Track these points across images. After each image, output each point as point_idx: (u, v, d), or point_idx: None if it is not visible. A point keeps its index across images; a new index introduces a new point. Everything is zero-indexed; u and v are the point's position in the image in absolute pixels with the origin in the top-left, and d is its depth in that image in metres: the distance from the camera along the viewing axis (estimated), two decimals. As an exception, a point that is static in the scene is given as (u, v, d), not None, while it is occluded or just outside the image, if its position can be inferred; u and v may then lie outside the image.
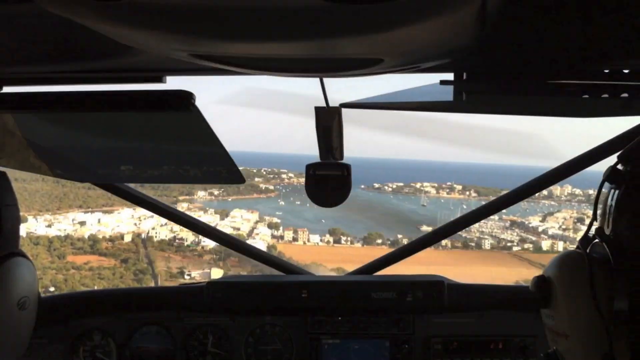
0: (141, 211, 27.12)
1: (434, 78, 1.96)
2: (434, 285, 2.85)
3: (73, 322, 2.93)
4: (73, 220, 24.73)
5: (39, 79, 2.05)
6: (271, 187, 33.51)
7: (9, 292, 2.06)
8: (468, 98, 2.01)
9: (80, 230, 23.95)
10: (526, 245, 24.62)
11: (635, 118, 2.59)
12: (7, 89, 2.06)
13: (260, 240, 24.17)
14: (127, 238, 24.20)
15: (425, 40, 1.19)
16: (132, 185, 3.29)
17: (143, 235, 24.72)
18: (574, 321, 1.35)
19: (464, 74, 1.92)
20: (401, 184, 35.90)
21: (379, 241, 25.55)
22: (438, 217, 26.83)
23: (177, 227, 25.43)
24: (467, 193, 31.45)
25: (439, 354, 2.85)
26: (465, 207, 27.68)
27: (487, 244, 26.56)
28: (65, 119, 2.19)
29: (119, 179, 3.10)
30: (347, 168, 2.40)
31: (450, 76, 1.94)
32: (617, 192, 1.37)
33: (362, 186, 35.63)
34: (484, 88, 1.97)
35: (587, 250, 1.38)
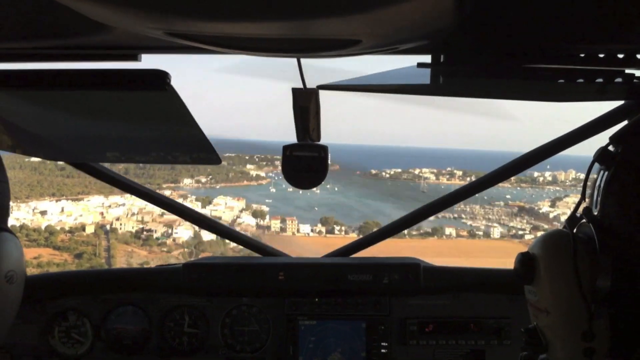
0: (113, 198, 26.25)
1: (412, 60, 2.06)
2: (410, 268, 3.02)
3: (48, 303, 3.05)
4: (34, 209, 24.19)
5: (9, 56, 2.12)
6: (262, 174, 33.37)
7: None
8: (445, 81, 2.14)
9: (38, 220, 23.33)
10: (539, 233, 24.23)
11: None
12: None
13: (242, 232, 23.71)
14: (89, 229, 23.50)
15: (403, 21, 1.27)
16: (112, 168, 3.42)
17: (107, 227, 24.07)
18: (556, 298, 1.44)
19: (442, 57, 2.01)
20: (399, 170, 35.87)
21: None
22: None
23: (147, 218, 24.96)
24: (468, 179, 31.59)
25: (414, 335, 3.02)
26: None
27: (496, 232, 26.39)
28: (37, 97, 2.23)
29: (92, 158, 3.20)
30: (324, 149, 2.49)
31: (428, 58, 2.04)
32: (606, 173, 1.44)
33: (358, 172, 35.68)
34: (461, 71, 2.09)
35: (574, 231, 1.46)
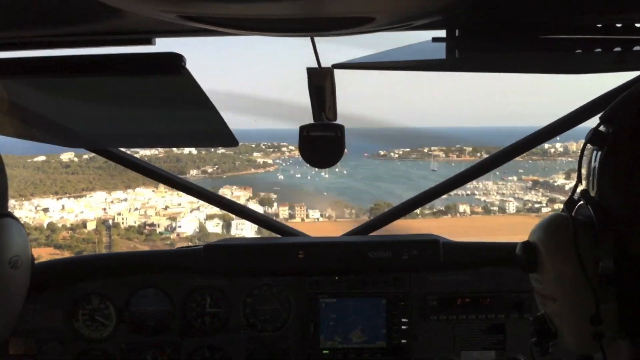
0: (116, 194, 26.09)
1: (426, 36, 2.07)
2: (429, 244, 3.08)
3: (70, 287, 3.14)
4: (37, 207, 23.97)
5: (25, 43, 2.15)
6: (270, 162, 33.31)
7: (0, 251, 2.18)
8: (461, 55, 2.18)
9: (40, 217, 23.10)
10: (556, 206, 23.71)
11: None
12: None
13: (249, 222, 23.64)
14: (91, 226, 23.35)
15: None
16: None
17: (109, 222, 23.87)
18: (561, 284, 1.44)
19: (457, 31, 2.03)
20: (408, 150, 35.65)
21: (391, 208, 25.23)
22: (452, 181, 27.30)
23: (150, 212, 24.72)
24: (479, 154, 31.00)
25: (434, 310, 3.09)
26: (477, 168, 27.22)
27: (511, 207, 26.18)
28: (53, 84, 2.29)
29: (110, 144, 3.26)
30: (340, 129, 2.55)
31: (442, 33, 2.05)
32: (599, 153, 1.43)
33: (366, 154, 35.60)
34: (476, 45, 2.11)
35: (573, 213, 1.45)
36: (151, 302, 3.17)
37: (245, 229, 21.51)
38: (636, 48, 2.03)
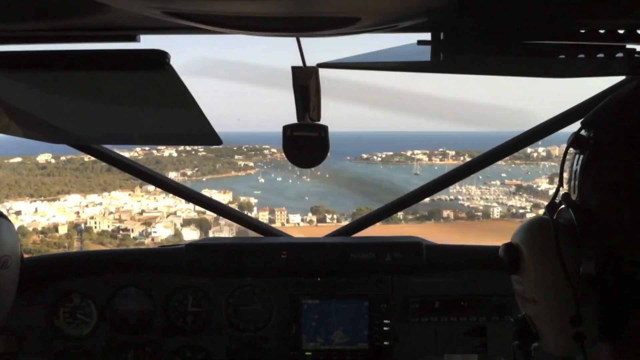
0: (91, 197, 25.98)
1: (412, 38, 2.09)
2: (412, 246, 3.12)
3: (52, 284, 3.15)
4: (8, 210, 23.22)
5: (7, 38, 2.15)
6: (251, 164, 33.17)
7: None
8: (445, 58, 2.19)
9: (12, 221, 22.60)
10: (541, 211, 24.05)
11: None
12: None
13: (227, 227, 22.76)
14: (63, 230, 23.18)
15: None
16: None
17: (82, 226, 23.74)
18: (542, 286, 1.46)
19: (442, 34, 2.05)
20: (390, 153, 35.92)
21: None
22: (435, 186, 27.27)
23: (125, 216, 24.54)
24: (462, 158, 31.20)
25: (416, 313, 3.12)
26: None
27: (495, 212, 26.40)
28: (35, 78, 2.23)
29: (93, 140, 3.26)
30: (324, 129, 2.56)
31: (427, 36, 2.07)
32: (581, 157, 1.46)
33: (348, 158, 35.69)
34: (461, 48, 2.13)
35: (555, 217, 1.48)
36: (133, 301, 3.18)
37: (223, 234, 21.38)
38: (619, 54, 2.07)
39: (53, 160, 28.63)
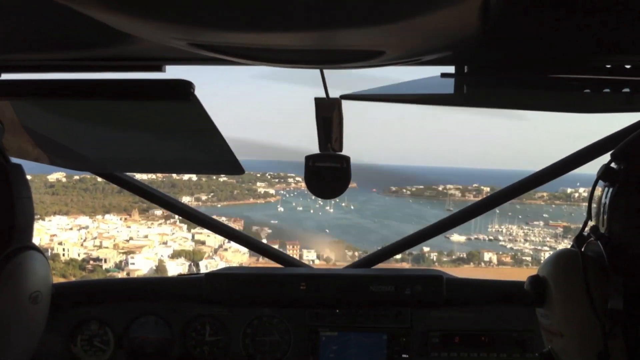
0: (80, 220, 25.24)
1: (435, 71, 2.22)
2: (433, 280, 3.19)
3: (71, 311, 3.27)
4: None
5: (37, 67, 2.28)
6: (272, 192, 32.88)
7: (21, 286, 2.29)
8: (469, 91, 2.31)
9: None
10: None
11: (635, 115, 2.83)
12: (5, 76, 2.32)
13: (223, 262, 21.08)
14: None
15: (427, 32, 1.37)
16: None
17: (47, 253, 22.56)
18: (569, 320, 1.53)
19: (466, 67, 2.17)
20: (421, 187, 35.62)
21: (399, 256, 24.07)
22: (472, 224, 26.16)
23: (107, 243, 23.52)
24: None
25: (436, 347, 3.19)
26: (498, 211, 26.44)
27: (546, 257, 25.61)
28: (63, 107, 2.45)
29: (117, 168, 3.43)
30: (346, 160, 2.70)
31: (451, 69, 2.19)
32: (610, 190, 1.54)
33: (374, 190, 35.38)
34: (485, 81, 2.26)
35: (582, 249, 1.54)
36: (151, 330, 3.30)
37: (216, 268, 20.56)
38: None
39: (64, 179, 28.72)
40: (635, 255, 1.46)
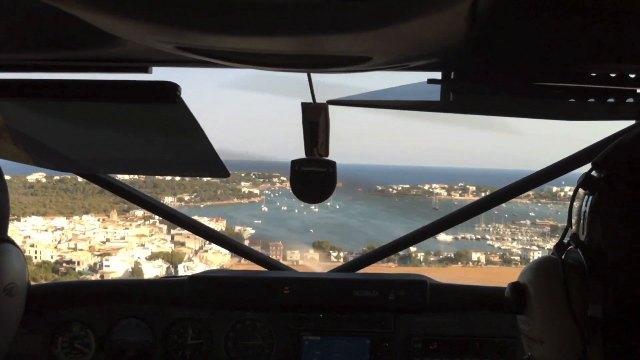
0: (55, 221, 25.00)
1: (422, 76, 2.24)
2: (417, 285, 3.21)
3: (51, 313, 3.26)
4: None
5: (21, 66, 2.29)
6: (256, 192, 32.70)
7: None
8: (455, 98, 2.32)
9: None
10: None
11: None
12: None
13: (203, 265, 21.41)
14: None
15: (414, 39, 1.39)
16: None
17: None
18: (549, 327, 1.54)
19: (452, 74, 2.20)
20: (407, 186, 35.76)
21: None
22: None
23: (82, 245, 23.47)
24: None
25: (419, 352, 3.21)
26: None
27: (535, 256, 25.86)
28: (47, 108, 2.39)
29: (101, 170, 3.43)
30: (332, 164, 2.72)
31: (438, 75, 2.22)
32: (590, 198, 1.55)
33: (360, 189, 35.44)
34: (471, 88, 2.26)
35: (562, 256, 1.57)
36: (132, 332, 3.30)
37: (196, 271, 20.50)
38: (629, 100, 2.20)
39: (44, 180, 28.42)
40: (614, 262, 1.48)
